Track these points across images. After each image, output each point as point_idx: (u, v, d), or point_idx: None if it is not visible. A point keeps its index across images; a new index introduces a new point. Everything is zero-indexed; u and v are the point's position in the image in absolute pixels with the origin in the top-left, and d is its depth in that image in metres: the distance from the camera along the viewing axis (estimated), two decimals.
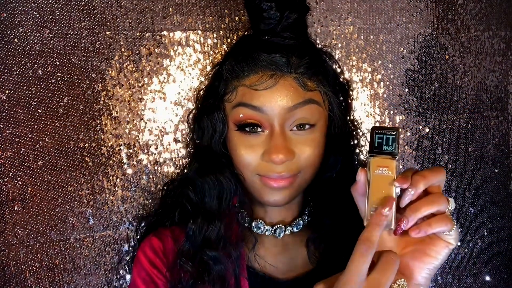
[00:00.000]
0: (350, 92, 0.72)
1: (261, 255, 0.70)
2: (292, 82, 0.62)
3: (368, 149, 0.54)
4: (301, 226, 0.72)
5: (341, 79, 0.71)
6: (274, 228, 0.70)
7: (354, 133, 0.74)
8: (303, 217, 0.72)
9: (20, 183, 0.81)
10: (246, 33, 0.89)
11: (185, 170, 0.87)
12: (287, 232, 0.71)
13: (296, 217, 0.73)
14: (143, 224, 0.83)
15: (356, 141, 0.75)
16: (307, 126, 0.63)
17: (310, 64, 0.63)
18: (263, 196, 0.65)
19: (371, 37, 0.94)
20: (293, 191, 0.65)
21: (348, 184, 0.69)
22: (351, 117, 0.73)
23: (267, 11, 0.63)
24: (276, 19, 0.63)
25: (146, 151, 0.86)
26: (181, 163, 0.88)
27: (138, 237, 0.84)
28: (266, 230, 0.70)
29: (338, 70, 0.73)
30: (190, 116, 0.74)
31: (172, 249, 0.70)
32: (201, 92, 0.72)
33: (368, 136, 0.56)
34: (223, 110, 0.66)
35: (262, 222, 0.71)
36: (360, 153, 0.76)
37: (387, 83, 0.96)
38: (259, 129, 0.62)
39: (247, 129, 0.63)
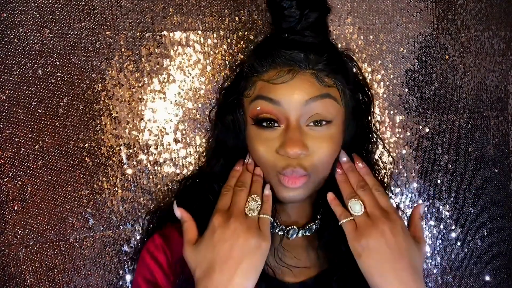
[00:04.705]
0: (370, 95, 0.73)
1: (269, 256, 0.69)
2: (310, 77, 0.62)
3: None
4: (313, 230, 0.72)
5: (362, 82, 0.72)
6: (288, 229, 0.70)
7: (370, 135, 0.75)
8: (316, 221, 0.72)
9: (19, 183, 0.81)
10: (246, 33, 0.89)
11: (191, 168, 0.88)
12: (299, 234, 0.71)
13: (309, 220, 0.73)
14: (154, 219, 0.85)
15: (370, 146, 0.76)
16: (323, 122, 0.63)
17: (328, 62, 0.64)
18: (279, 193, 0.65)
19: (371, 37, 0.94)
20: (308, 188, 0.65)
21: None
22: (369, 120, 0.74)
23: (287, 9, 0.64)
24: (296, 18, 0.65)
25: (146, 151, 0.86)
26: (181, 163, 0.88)
27: (149, 230, 0.85)
28: (280, 230, 0.70)
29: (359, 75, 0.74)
30: (212, 114, 0.76)
31: (179, 244, 0.70)
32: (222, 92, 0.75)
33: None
34: (242, 106, 0.67)
35: (276, 220, 0.71)
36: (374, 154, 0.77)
37: (387, 83, 0.96)
38: (275, 124, 0.63)
39: (264, 124, 0.63)
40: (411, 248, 0.61)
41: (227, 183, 0.67)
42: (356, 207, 0.62)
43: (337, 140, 0.66)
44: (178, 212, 0.65)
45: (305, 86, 0.62)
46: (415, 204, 1.00)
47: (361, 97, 0.72)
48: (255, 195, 0.63)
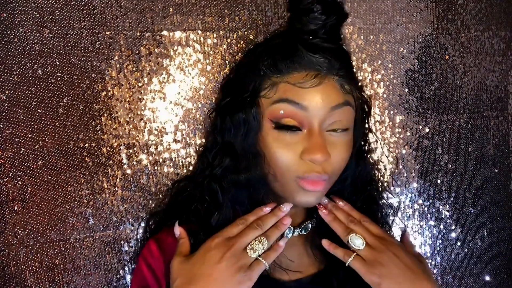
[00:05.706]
0: (369, 99, 0.74)
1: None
2: (334, 83, 0.63)
3: None
4: (309, 229, 0.72)
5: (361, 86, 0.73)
6: None
7: (367, 138, 0.77)
8: (312, 220, 0.72)
9: (20, 183, 0.81)
10: (246, 32, 0.89)
11: (189, 168, 0.87)
12: (295, 234, 0.71)
13: (304, 219, 0.73)
14: (151, 222, 0.84)
15: (367, 148, 0.77)
16: (341, 129, 0.64)
17: (348, 68, 0.65)
18: (295, 197, 0.64)
19: (371, 37, 0.94)
20: (325, 191, 0.66)
21: (358, 188, 0.72)
22: (368, 125, 0.76)
23: (315, 12, 0.63)
24: (321, 21, 0.64)
25: (146, 151, 0.86)
26: (181, 163, 0.88)
27: (147, 234, 0.85)
28: None
29: None
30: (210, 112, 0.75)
31: (174, 247, 0.70)
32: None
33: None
34: (258, 106, 0.65)
35: None
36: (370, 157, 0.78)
37: (387, 83, 0.96)
38: (297, 129, 0.62)
39: (286, 127, 0.63)
40: (415, 261, 0.64)
41: (245, 217, 0.65)
42: (358, 241, 0.64)
43: (351, 145, 0.67)
44: (178, 231, 0.67)
45: (331, 92, 0.62)
46: (415, 204, 1.01)
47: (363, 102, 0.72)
48: (265, 240, 0.62)
